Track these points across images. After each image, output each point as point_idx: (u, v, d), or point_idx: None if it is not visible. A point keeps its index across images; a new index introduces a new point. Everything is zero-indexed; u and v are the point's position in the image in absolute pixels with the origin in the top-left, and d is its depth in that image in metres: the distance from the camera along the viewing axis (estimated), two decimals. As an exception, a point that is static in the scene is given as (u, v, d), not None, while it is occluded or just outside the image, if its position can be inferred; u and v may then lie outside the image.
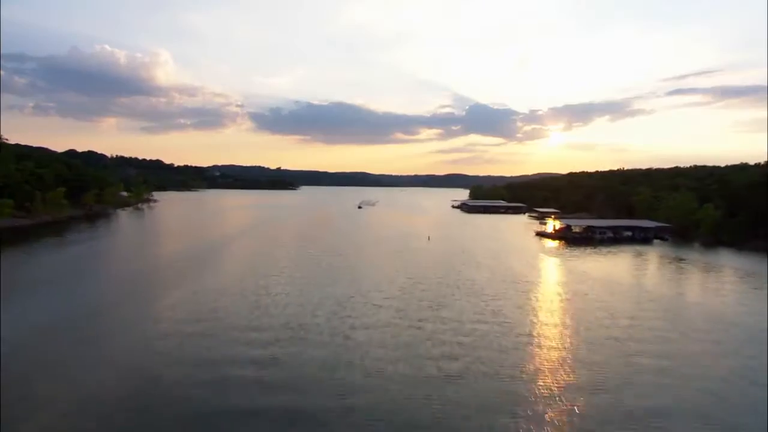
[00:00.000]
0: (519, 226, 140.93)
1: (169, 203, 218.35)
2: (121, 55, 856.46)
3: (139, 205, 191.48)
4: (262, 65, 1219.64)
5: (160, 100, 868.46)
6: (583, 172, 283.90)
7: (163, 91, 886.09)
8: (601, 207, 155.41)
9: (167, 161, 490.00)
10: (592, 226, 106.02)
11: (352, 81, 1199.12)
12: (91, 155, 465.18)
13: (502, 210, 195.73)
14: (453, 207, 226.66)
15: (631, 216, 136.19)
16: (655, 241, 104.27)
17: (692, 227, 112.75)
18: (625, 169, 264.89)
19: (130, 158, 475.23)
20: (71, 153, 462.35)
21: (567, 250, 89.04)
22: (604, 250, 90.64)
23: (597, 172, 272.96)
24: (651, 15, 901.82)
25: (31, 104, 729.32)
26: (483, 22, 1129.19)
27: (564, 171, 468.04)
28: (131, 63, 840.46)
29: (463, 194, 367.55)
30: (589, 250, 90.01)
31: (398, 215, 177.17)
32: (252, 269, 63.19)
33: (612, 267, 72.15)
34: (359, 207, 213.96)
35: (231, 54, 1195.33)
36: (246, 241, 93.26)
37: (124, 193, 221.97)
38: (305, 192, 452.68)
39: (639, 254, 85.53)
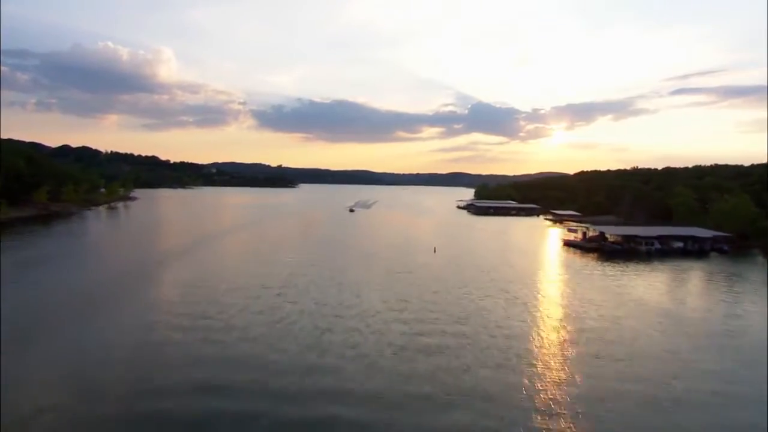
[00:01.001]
0: (537, 232, 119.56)
1: (149, 202, 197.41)
2: (124, 52, 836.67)
3: (114, 203, 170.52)
4: (264, 63, 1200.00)
5: (163, 97, 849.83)
6: (594, 171, 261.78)
7: (165, 88, 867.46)
8: (629, 210, 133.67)
9: (170, 159, 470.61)
10: (636, 236, 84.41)
11: (354, 79, 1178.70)
12: (85, 151, 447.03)
13: (513, 212, 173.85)
14: (458, 207, 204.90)
15: (667, 221, 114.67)
16: (712, 253, 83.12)
17: (753, 236, 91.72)
18: (639, 167, 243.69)
19: (126, 154, 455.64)
20: (65, 149, 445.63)
21: (610, 267, 67.55)
22: (658, 266, 69.28)
23: (609, 170, 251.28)
24: (654, 14, 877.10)
25: (33, 101, 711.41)
26: (485, 21, 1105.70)
27: (567, 170, 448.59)
28: (134, 60, 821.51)
29: (465, 193, 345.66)
30: (641, 266, 68.57)
31: (398, 218, 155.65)
32: (182, 306, 42.05)
33: (694, 298, 50.72)
34: (351, 210, 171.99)
35: (234, 52, 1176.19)
36: (202, 255, 72.08)
37: (105, 191, 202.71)
38: (303, 190, 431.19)
39: (707, 273, 63.93)
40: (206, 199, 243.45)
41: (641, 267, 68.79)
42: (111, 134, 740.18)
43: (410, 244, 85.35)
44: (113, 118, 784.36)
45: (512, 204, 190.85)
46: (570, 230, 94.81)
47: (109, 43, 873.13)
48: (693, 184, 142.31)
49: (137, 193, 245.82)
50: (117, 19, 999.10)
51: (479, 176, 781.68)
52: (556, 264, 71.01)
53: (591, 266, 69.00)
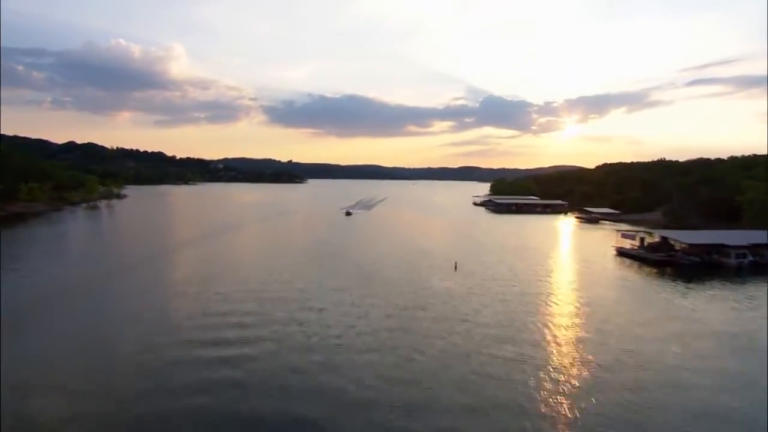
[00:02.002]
0: (574, 235, 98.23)
1: (139, 200, 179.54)
2: (136, 50, 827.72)
3: (96, 202, 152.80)
4: (275, 58, 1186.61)
5: (175, 94, 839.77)
6: (619, 163, 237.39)
7: (177, 84, 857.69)
8: (680, 208, 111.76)
9: (177, 154, 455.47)
10: (723, 245, 63.06)
11: (365, 73, 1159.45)
12: (90, 147, 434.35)
13: (539, 209, 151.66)
14: (475, 204, 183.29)
15: (734, 222, 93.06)
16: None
17: None
18: (668, 159, 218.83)
19: (131, 150, 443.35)
20: (71, 145, 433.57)
21: (704, 291, 46.82)
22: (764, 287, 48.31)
23: (633, 162, 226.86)
24: (671, 3, 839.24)
25: (49, 99, 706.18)
26: (497, 12, 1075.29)
27: (581, 163, 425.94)
28: (146, 57, 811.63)
29: (478, 187, 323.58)
30: (747, 288, 47.64)
31: (407, 218, 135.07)
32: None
33: None
34: (347, 213, 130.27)
35: (244, 47, 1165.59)
36: (143, 280, 52.93)
37: (102, 188, 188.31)
38: (310, 186, 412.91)
39: None
40: (201, 196, 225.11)
41: (748, 289, 47.71)
42: (124, 131, 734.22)
43: (422, 257, 65.05)
44: (126, 115, 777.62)
45: (535, 200, 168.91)
46: (625, 236, 73.40)
47: (122, 41, 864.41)
48: (751, 175, 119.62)
49: (132, 190, 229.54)
50: (128, 16, 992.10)
51: (491, 170, 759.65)
52: (623, 286, 50.16)
53: (676, 290, 48.02)
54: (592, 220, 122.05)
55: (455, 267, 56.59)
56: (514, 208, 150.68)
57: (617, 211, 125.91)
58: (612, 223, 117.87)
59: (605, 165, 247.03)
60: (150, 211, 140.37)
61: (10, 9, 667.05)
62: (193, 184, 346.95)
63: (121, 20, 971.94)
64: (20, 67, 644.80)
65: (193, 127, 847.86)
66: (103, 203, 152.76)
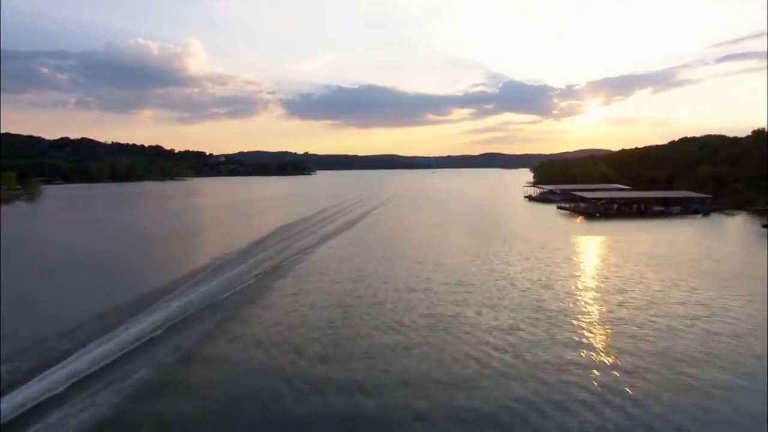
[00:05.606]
0: None
1: (50, 204, 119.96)
2: (154, 47, 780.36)
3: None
4: (292, 51, 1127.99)
5: (194, 90, 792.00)
6: (710, 136, 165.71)
7: (195, 81, 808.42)
8: None
9: (175, 148, 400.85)
10: None
11: (382, 63, 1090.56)
12: (82, 142, 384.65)
13: (656, 207, 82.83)
14: (530, 199, 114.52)
15: None
16: None
17: None
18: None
19: (126, 145, 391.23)
20: (63, 141, 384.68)
21: None
22: None
23: (717, 136, 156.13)
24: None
25: (73, 100, 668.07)
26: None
27: (606, 147, 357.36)
28: (164, 54, 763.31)
29: (504, 175, 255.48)
30: None
31: (422, 236, 69.43)
32: None
33: None
34: None
35: (261, 41, 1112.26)
36: None
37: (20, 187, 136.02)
38: (315, 178, 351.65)
39: None
40: (139, 199, 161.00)
41: None
42: (147, 129, 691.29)
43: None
44: (148, 113, 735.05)
45: (637, 192, 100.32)
46: None
47: (140, 40, 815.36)
48: None
49: (84, 189, 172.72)
50: (145, 14, 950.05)
51: (513, 156, 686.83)
52: None
53: None
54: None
55: None
56: (613, 209, 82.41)
57: None
58: None
59: (684, 139, 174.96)
60: (36, 229, 79.61)
61: (33, 13, 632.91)
62: (181, 180, 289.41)
63: (139, 19, 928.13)
64: (45, 70, 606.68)
65: (214, 123, 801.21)
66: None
